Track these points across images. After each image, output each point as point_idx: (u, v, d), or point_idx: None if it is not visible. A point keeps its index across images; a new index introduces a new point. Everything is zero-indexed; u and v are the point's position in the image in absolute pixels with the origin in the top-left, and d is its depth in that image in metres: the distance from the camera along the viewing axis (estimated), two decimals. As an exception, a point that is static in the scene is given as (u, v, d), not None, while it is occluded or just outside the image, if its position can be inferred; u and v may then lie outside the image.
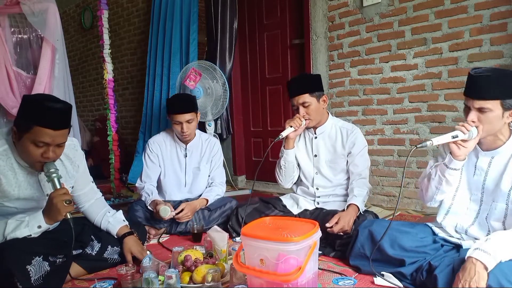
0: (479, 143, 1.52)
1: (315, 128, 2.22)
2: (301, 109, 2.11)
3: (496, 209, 1.47)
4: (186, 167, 2.60)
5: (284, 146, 2.21)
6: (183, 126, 2.42)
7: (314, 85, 2.14)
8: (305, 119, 2.12)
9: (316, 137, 2.23)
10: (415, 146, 1.48)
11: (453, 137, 1.44)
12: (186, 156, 2.59)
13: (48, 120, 1.48)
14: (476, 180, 1.55)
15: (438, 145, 1.48)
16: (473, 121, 1.43)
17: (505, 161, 1.47)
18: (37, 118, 1.48)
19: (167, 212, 2.26)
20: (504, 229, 1.45)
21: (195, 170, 2.61)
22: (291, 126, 2.10)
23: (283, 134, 2.11)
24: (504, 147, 1.47)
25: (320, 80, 2.21)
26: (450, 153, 1.48)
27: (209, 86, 3.33)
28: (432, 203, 1.64)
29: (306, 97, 2.09)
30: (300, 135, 2.26)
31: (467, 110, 1.47)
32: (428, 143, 1.44)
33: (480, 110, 1.41)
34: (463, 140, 1.44)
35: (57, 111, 1.50)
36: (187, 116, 2.41)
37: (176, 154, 2.60)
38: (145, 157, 2.58)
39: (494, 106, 1.39)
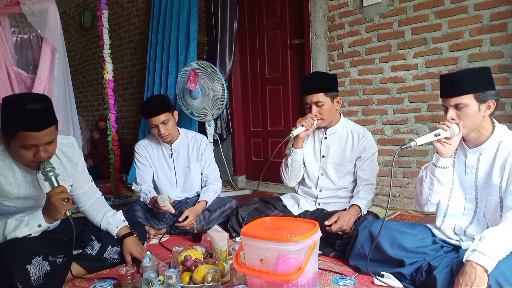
0: (465, 141, 1.56)
1: (326, 128, 2.18)
2: (314, 108, 2.06)
3: (492, 204, 1.48)
4: (174, 168, 2.59)
5: (292, 145, 2.16)
6: (160, 128, 2.38)
7: (330, 85, 2.09)
8: (317, 119, 2.08)
9: (326, 138, 2.19)
10: (400, 147, 1.53)
11: (436, 135, 1.48)
12: (172, 157, 2.58)
13: (29, 123, 1.45)
14: (468, 179, 1.56)
15: (421, 144, 1.52)
16: (452, 119, 1.48)
17: (492, 156, 1.49)
18: (19, 123, 1.45)
19: (165, 200, 2.24)
20: None
21: (185, 170, 2.59)
22: (302, 125, 2.05)
23: (294, 132, 2.06)
24: (489, 142, 1.50)
25: (336, 81, 2.16)
26: (437, 152, 1.53)
27: (207, 86, 3.33)
28: (428, 206, 1.65)
29: (321, 97, 2.05)
30: (309, 134, 2.23)
31: (445, 111, 1.52)
32: (412, 143, 1.49)
33: (457, 107, 1.47)
34: (446, 138, 1.49)
35: (36, 112, 1.46)
36: (161, 117, 2.36)
37: (163, 155, 2.58)
38: (135, 161, 2.58)
39: (469, 100, 1.45)
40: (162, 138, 2.45)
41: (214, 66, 3.43)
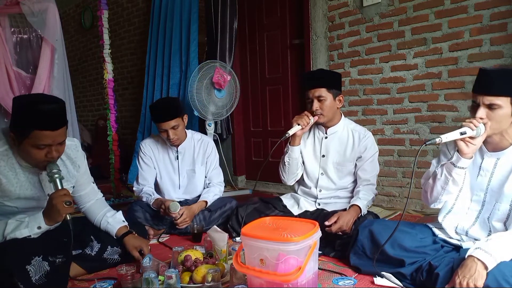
0: (484, 143, 1.50)
1: (326, 127, 2.17)
2: (315, 103, 2.06)
3: (499, 210, 1.46)
4: (179, 170, 2.57)
5: (289, 143, 2.15)
6: (169, 133, 2.36)
7: (333, 82, 2.09)
8: (317, 114, 2.07)
9: (326, 137, 2.18)
10: (425, 143, 1.43)
11: (461, 134, 1.40)
12: (177, 159, 2.56)
13: (46, 123, 1.47)
14: (480, 181, 1.53)
15: (442, 143, 1.44)
16: (481, 118, 1.39)
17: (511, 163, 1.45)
18: (35, 122, 1.46)
19: (177, 207, 2.24)
20: (506, 229, 1.45)
21: (190, 172, 2.57)
22: (298, 124, 2.05)
23: (290, 132, 2.06)
24: (511, 148, 1.45)
25: (340, 79, 2.17)
26: (458, 151, 1.44)
27: (232, 85, 3.50)
28: (436, 204, 1.60)
29: (323, 91, 2.05)
30: (309, 133, 2.22)
31: (475, 107, 1.43)
32: (437, 139, 1.41)
33: (490, 106, 1.39)
34: (471, 137, 1.40)
35: (52, 112, 1.49)
36: (172, 123, 2.34)
37: (168, 156, 2.57)
38: (139, 160, 2.55)
39: (504, 103, 1.37)
40: (171, 142, 2.43)
41: (226, 64, 3.54)
